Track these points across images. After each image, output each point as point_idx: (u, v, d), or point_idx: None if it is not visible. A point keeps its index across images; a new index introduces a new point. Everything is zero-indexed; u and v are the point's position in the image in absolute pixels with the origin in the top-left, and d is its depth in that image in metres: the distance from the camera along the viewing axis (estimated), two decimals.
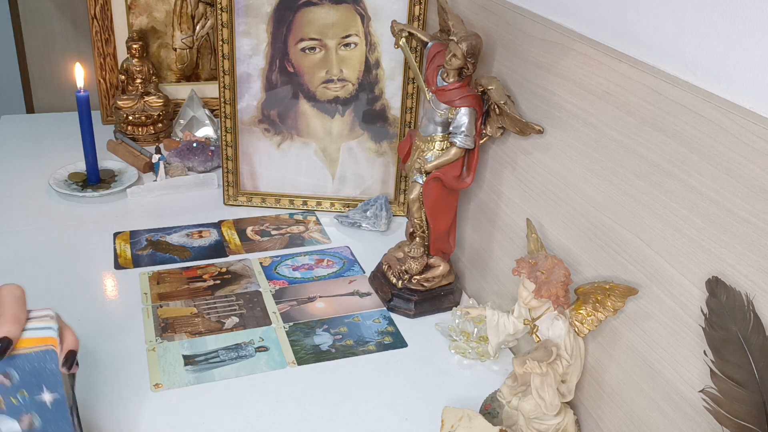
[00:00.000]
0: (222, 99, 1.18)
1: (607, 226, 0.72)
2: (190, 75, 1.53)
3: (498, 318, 0.81)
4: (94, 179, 1.26)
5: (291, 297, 1.01)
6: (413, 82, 1.15)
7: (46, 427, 0.59)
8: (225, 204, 1.25)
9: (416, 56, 1.06)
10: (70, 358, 0.60)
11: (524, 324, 0.78)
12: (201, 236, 1.15)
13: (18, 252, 1.07)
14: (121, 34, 1.45)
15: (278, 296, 1.01)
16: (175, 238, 1.14)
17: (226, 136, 1.21)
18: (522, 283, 0.74)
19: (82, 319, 0.93)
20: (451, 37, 0.88)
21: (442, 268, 0.99)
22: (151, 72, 1.46)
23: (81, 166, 1.28)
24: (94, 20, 1.42)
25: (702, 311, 0.58)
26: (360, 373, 0.88)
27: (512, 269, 0.74)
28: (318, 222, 1.22)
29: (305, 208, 1.24)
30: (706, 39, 0.59)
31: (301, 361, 0.89)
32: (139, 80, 1.44)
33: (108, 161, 1.34)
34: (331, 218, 1.23)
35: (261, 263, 1.09)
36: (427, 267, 1.00)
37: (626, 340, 0.70)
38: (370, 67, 1.17)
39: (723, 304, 0.56)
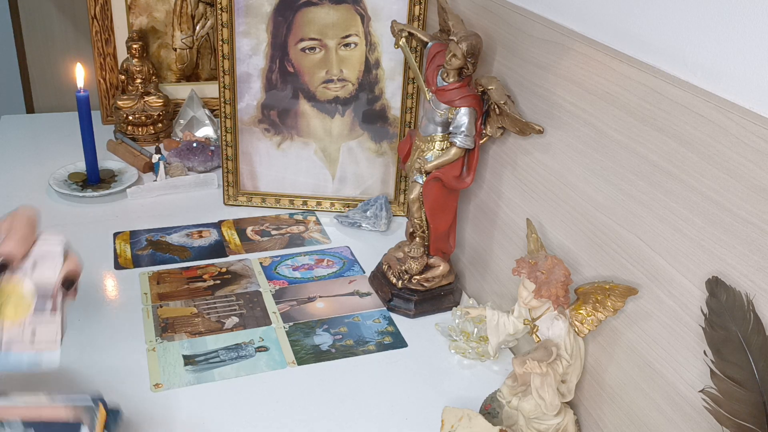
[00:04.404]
0: (222, 99, 1.18)
1: (607, 226, 0.72)
2: (190, 75, 1.53)
3: (498, 318, 0.81)
4: (94, 179, 1.26)
5: (291, 297, 1.01)
6: (413, 82, 1.15)
7: None
8: (225, 204, 1.25)
9: (416, 56, 1.06)
10: (67, 283, 0.64)
11: (524, 324, 0.78)
12: (201, 236, 1.15)
13: None
14: (121, 34, 1.45)
15: (278, 296, 1.01)
16: (175, 238, 1.14)
17: (226, 136, 1.21)
18: (522, 283, 0.74)
19: (82, 319, 0.93)
20: (451, 37, 0.88)
21: (442, 268, 0.99)
22: (151, 72, 1.46)
23: (81, 166, 1.28)
24: (94, 20, 1.42)
25: (702, 311, 0.58)
26: (360, 373, 0.88)
27: (512, 269, 0.74)
28: (318, 222, 1.22)
29: (305, 208, 1.24)
30: (706, 39, 0.59)
31: (301, 361, 0.89)
32: (139, 80, 1.44)
33: (108, 161, 1.34)
34: (331, 218, 1.23)
35: (261, 263, 1.09)
36: (427, 267, 1.00)
37: (626, 340, 0.70)
38: (370, 67, 1.16)
39: (723, 304, 0.56)
